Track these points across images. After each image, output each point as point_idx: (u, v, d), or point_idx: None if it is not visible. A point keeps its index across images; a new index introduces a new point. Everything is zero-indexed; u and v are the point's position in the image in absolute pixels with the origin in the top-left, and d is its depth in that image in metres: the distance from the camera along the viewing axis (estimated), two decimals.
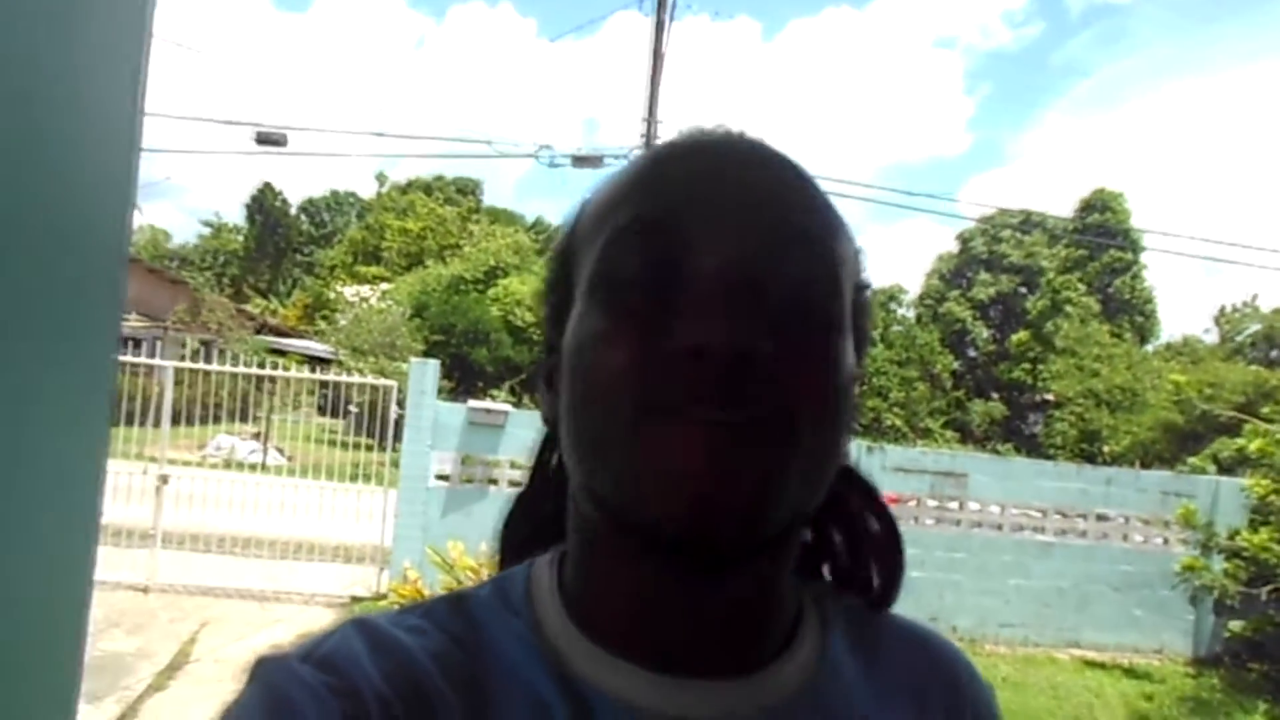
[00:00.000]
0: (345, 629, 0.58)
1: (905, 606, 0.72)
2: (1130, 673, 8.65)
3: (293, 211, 55.20)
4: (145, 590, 7.88)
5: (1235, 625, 8.50)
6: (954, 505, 9.33)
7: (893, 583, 0.72)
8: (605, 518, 0.57)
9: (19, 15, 0.80)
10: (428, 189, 43.49)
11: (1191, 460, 12.53)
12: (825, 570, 0.73)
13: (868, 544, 0.72)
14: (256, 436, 13.26)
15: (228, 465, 11.66)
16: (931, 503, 9.29)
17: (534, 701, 0.56)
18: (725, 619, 0.58)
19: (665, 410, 0.52)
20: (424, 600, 0.64)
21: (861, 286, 0.63)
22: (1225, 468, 10.83)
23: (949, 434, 26.39)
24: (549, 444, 0.72)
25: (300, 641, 0.57)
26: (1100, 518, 9.51)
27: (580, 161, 15.90)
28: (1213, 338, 36.47)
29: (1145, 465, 14.64)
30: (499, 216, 41.69)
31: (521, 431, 8.29)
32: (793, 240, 0.56)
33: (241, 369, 9.27)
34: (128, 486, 8.14)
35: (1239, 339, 35.93)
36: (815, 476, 0.56)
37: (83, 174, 0.97)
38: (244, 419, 13.56)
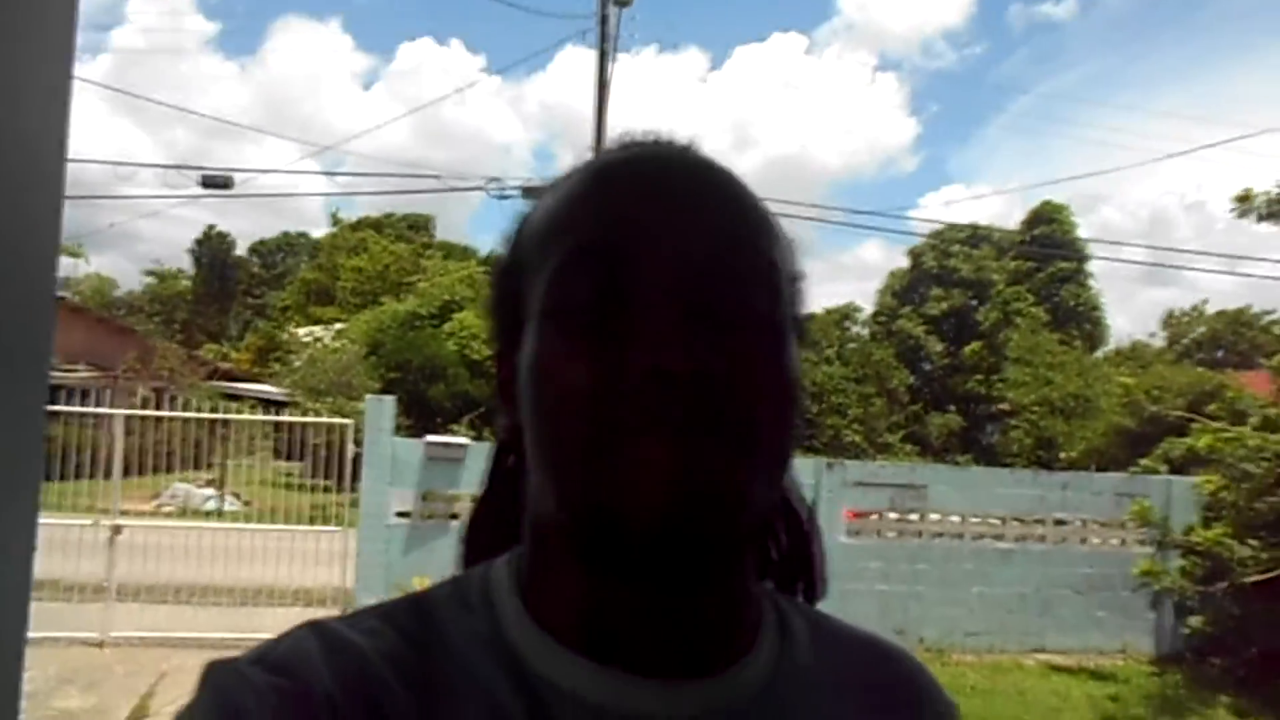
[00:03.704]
0: (299, 632, 0.58)
1: (872, 619, 0.74)
2: (1095, 675, 8.74)
3: (242, 254, 54.63)
4: (100, 645, 7.69)
5: (1194, 621, 8.63)
6: (915, 517, 9.42)
7: (818, 572, 0.74)
8: (570, 524, 0.57)
9: None
10: (378, 226, 43.24)
11: (1143, 461, 12.75)
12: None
13: (793, 537, 0.74)
14: (212, 483, 13.05)
15: (183, 514, 11.47)
16: (892, 515, 9.36)
17: (490, 700, 0.56)
18: (686, 622, 0.59)
19: (630, 428, 0.53)
20: (382, 603, 0.64)
21: (795, 279, 0.65)
22: (1176, 467, 11.04)
23: (908, 448, 26.62)
24: (504, 449, 0.73)
25: (254, 646, 0.57)
26: (1058, 522, 9.64)
27: (530, 193, 15.88)
28: (1160, 342, 37.33)
29: (1100, 469, 14.87)
30: (452, 251, 41.53)
31: (481, 465, 8.16)
32: (734, 251, 0.58)
33: (193, 414, 9.13)
34: (79, 540, 7.97)
35: (1185, 342, 36.78)
36: (776, 474, 0.58)
37: (6, 220, 0.97)
38: (199, 466, 13.31)
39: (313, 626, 0.58)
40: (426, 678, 0.57)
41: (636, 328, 0.54)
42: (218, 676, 0.54)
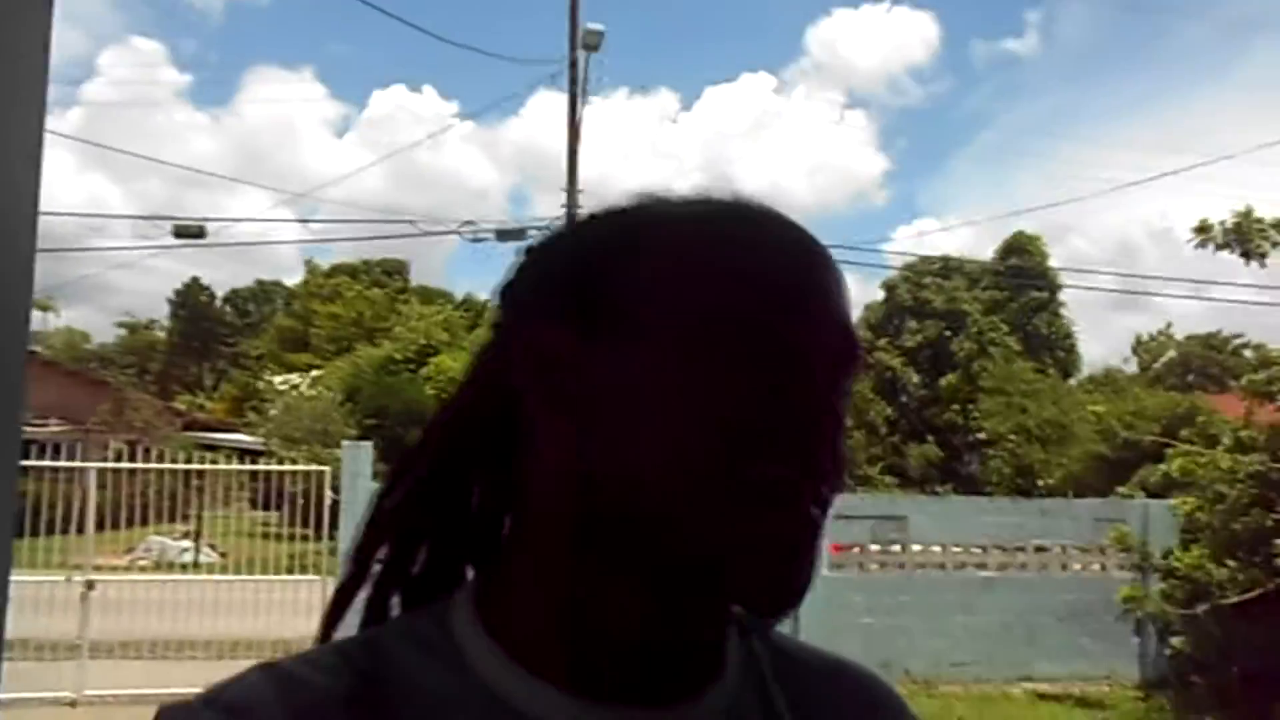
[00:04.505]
0: (252, 672, 0.57)
1: (857, 653, 0.74)
2: (1082, 702, 8.73)
3: (217, 304, 54.38)
4: (73, 704, 7.54)
5: (1177, 644, 8.65)
6: (896, 548, 9.41)
7: None
8: (625, 551, 0.57)
9: None
10: (353, 272, 43.19)
11: (1121, 488, 12.84)
12: None
13: None
14: (187, 535, 12.86)
15: (158, 567, 11.29)
16: (874, 547, 9.36)
17: None
18: (677, 650, 0.59)
19: (775, 484, 0.54)
20: (337, 641, 0.63)
21: None
22: (1154, 493, 11.12)
23: (888, 479, 26.67)
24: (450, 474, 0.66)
25: (207, 687, 0.56)
26: (1039, 549, 9.67)
27: (504, 235, 16.02)
28: (1132, 368, 37.74)
29: (1078, 495, 14.94)
30: (428, 295, 41.52)
31: None
32: (857, 340, 0.61)
33: (167, 465, 9.03)
34: (51, 597, 7.83)
35: (1157, 367, 37.20)
36: None
37: None
38: (174, 518, 13.13)
39: (266, 667, 0.58)
40: (384, 713, 0.56)
41: (808, 373, 0.56)
42: (170, 718, 0.54)
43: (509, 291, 0.66)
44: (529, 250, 0.68)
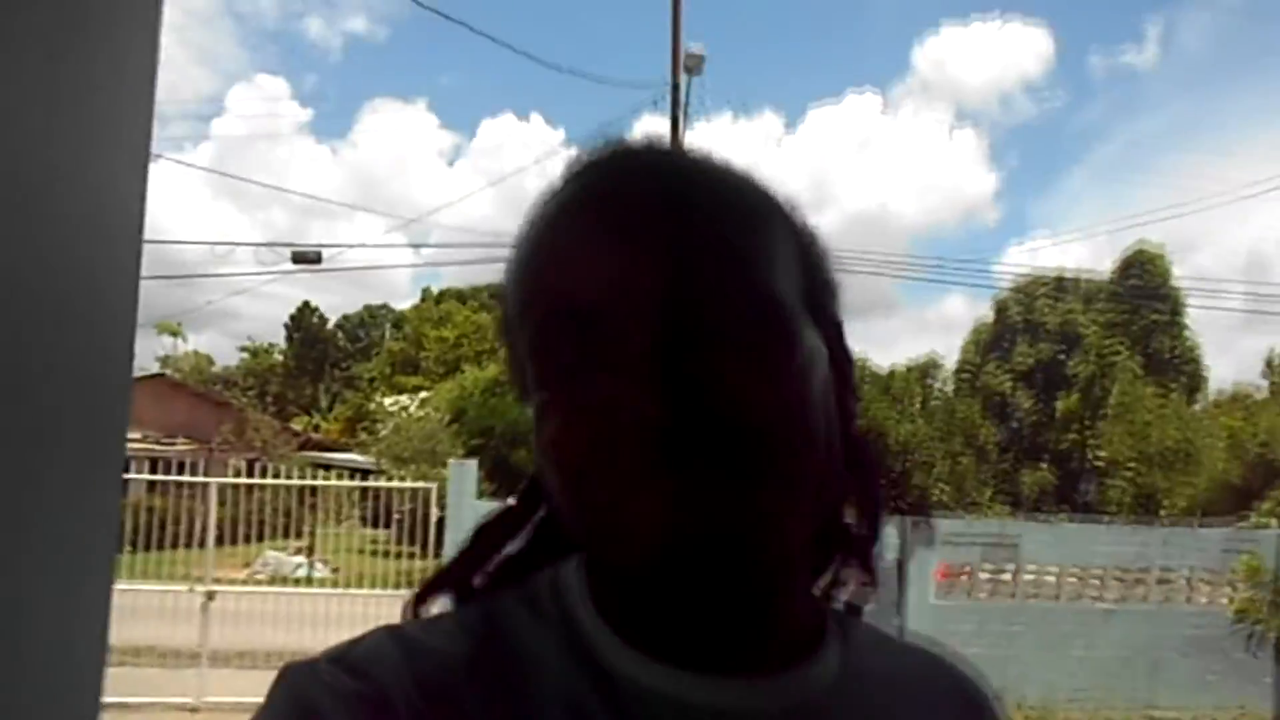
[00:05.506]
0: (377, 634, 0.58)
1: None
2: None
3: (330, 328, 56.28)
4: (194, 710, 7.84)
5: None
6: (1007, 575, 9.10)
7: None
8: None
9: (18, 148, 0.85)
10: (461, 297, 44.19)
11: (1253, 516, 12.14)
12: None
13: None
14: (301, 551, 13.30)
15: (273, 581, 11.69)
16: (984, 575, 9.06)
17: (569, 698, 0.56)
18: (750, 628, 0.59)
19: (628, 483, 0.53)
20: (455, 610, 0.64)
21: (814, 262, 0.65)
22: None
23: (997, 506, 25.81)
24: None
25: (331, 647, 0.57)
26: (1162, 579, 9.20)
27: None
28: (1263, 393, 35.69)
29: (1204, 525, 14.21)
30: None
31: None
32: (700, 280, 0.55)
33: (282, 480, 9.37)
34: (173, 607, 8.18)
35: None
36: (798, 498, 0.55)
37: (82, 303, 1.02)
38: (289, 535, 13.61)
39: (389, 630, 0.59)
40: (503, 680, 0.57)
41: (620, 385, 0.52)
42: (294, 676, 0.55)
43: None
44: None
